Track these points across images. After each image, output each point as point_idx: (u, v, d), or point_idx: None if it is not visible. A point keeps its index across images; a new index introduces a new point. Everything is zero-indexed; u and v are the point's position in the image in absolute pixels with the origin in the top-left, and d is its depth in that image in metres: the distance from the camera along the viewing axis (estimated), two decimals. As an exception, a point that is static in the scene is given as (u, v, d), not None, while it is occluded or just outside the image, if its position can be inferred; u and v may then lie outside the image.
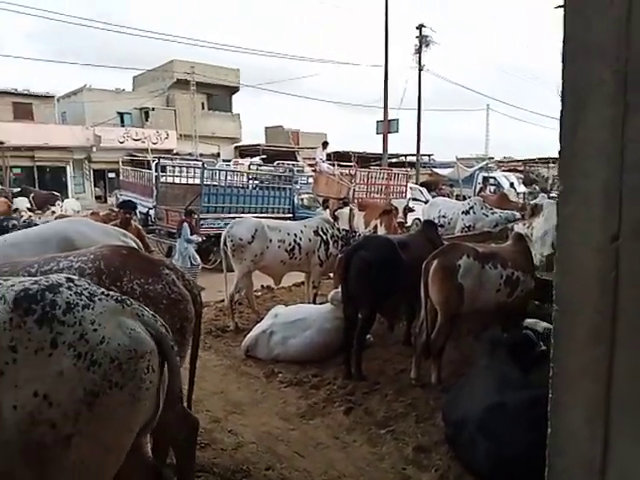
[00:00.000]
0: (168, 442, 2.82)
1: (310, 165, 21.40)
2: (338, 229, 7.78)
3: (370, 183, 13.92)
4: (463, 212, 9.94)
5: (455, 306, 4.80)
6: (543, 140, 73.28)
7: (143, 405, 1.91)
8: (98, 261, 2.67)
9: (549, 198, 11.47)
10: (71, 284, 1.89)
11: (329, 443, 4.06)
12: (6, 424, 1.66)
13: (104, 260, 2.69)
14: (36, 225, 10.83)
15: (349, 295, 5.20)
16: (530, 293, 5.33)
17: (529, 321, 5.10)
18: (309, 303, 7.21)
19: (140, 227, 7.43)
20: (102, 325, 1.81)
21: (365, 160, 26.44)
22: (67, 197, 22.24)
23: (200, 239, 9.27)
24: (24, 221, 11.58)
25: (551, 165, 30.54)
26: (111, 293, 2.02)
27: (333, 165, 15.71)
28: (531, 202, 11.87)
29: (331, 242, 7.49)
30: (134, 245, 3.90)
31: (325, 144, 16.28)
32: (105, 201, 26.43)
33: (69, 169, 28.86)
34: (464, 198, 16.40)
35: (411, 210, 10.04)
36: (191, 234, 8.67)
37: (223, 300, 7.46)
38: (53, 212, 14.22)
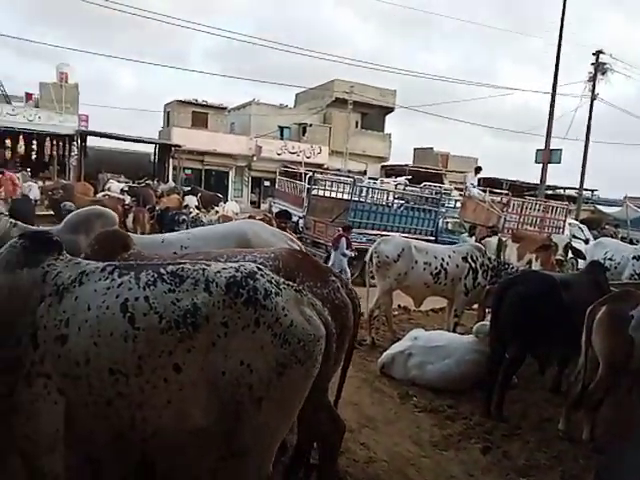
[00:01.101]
0: (315, 440, 2.96)
1: (457, 189, 20.87)
2: (489, 259, 7.42)
3: (524, 214, 13.14)
4: (634, 257, 8.81)
5: (622, 360, 4.30)
6: None
7: (311, 382, 2.16)
8: (278, 260, 2.94)
9: None
10: (263, 273, 2.18)
11: (462, 479, 3.91)
12: (213, 387, 1.99)
13: (282, 260, 2.96)
14: (202, 222, 12.18)
15: (499, 331, 4.96)
16: None
17: None
18: (448, 331, 7.01)
19: (293, 235, 7.92)
20: (290, 311, 2.10)
21: (518, 189, 25.01)
22: (227, 200, 24.45)
23: (354, 254, 9.47)
24: (192, 217, 13.01)
25: None
26: (290, 283, 2.30)
27: (484, 191, 15.13)
28: None
29: (480, 271, 7.19)
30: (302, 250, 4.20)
31: (478, 169, 15.79)
32: (259, 206, 28.53)
33: (231, 174, 31.77)
34: (631, 242, 14.61)
35: (578, 253, 8.93)
36: (346, 248, 9.04)
37: (362, 313, 7.58)
38: (216, 212, 15.73)
